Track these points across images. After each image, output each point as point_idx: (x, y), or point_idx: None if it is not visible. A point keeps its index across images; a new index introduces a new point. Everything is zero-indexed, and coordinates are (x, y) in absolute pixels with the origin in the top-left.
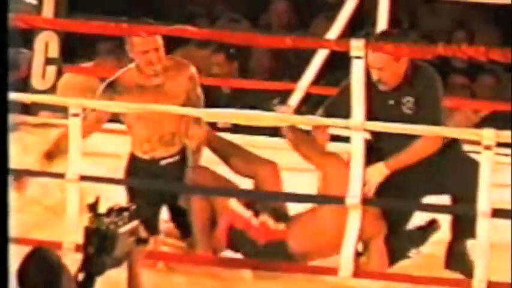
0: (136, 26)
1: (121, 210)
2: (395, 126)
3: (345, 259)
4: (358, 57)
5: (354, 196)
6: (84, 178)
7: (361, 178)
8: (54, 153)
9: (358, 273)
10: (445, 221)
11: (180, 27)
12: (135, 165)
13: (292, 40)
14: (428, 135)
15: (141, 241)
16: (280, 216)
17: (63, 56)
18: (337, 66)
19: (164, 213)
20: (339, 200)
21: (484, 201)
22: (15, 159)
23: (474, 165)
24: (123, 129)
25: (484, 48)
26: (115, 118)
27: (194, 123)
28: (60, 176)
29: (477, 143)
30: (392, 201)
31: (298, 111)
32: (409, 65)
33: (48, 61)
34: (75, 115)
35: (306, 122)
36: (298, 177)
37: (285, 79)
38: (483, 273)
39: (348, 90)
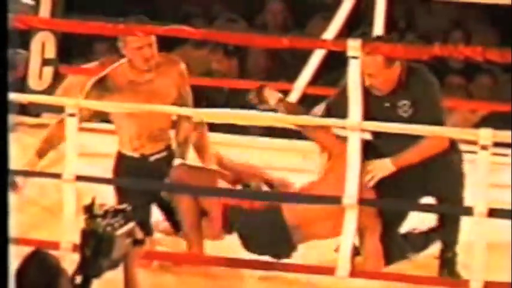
0: (133, 26)
1: (117, 211)
2: (392, 126)
3: (342, 259)
4: (355, 57)
5: (350, 196)
6: (80, 178)
7: (357, 178)
8: (44, 150)
9: (355, 272)
10: None
11: (176, 27)
12: (123, 164)
13: (289, 40)
14: (436, 136)
15: (138, 242)
16: (272, 188)
17: (60, 57)
18: (333, 66)
19: (157, 212)
20: (336, 200)
21: (481, 201)
22: (13, 160)
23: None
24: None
25: (480, 48)
26: (106, 117)
27: (182, 116)
28: (57, 176)
29: (474, 142)
30: (388, 201)
31: None
32: (403, 69)
33: (45, 62)
34: (72, 115)
35: (303, 122)
36: (293, 177)
37: (282, 79)
38: (480, 273)
39: (346, 91)
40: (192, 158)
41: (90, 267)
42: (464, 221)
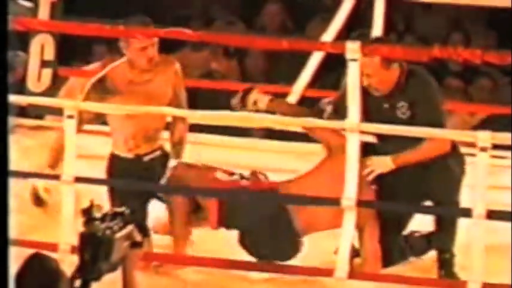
0: (133, 28)
1: (115, 214)
2: (391, 128)
3: (341, 260)
4: (354, 60)
5: (349, 198)
6: (79, 180)
7: (356, 180)
8: (55, 160)
9: (353, 274)
10: None
11: (175, 30)
12: (117, 165)
13: (288, 42)
14: (438, 138)
15: (136, 245)
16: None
17: (59, 59)
18: (332, 68)
19: (153, 211)
20: (335, 202)
21: (480, 203)
22: (12, 162)
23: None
24: None
25: (479, 51)
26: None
27: (177, 117)
28: (56, 177)
29: (473, 145)
30: (387, 203)
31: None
32: (402, 71)
33: (44, 63)
34: (70, 117)
35: (301, 123)
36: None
37: (281, 81)
38: (478, 275)
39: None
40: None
41: (89, 271)
42: (463, 223)
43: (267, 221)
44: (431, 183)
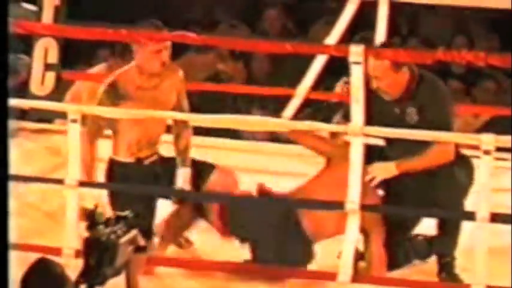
0: (138, 31)
1: (119, 218)
2: (394, 132)
3: (344, 264)
4: (357, 63)
5: (352, 202)
6: (83, 184)
7: (360, 183)
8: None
9: (357, 278)
10: None
11: (180, 33)
12: (117, 170)
13: (292, 45)
14: (441, 145)
15: (140, 249)
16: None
17: (62, 62)
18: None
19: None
20: (338, 205)
21: (483, 206)
22: (14, 165)
23: (463, 190)
24: None
25: (483, 53)
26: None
27: (182, 124)
28: (60, 181)
29: (476, 147)
30: (390, 206)
31: (297, 117)
32: (413, 76)
33: (48, 67)
34: (74, 121)
35: (303, 127)
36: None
37: (284, 85)
38: (481, 278)
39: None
40: None
41: (94, 276)
42: (466, 226)
43: (277, 230)
44: (438, 191)
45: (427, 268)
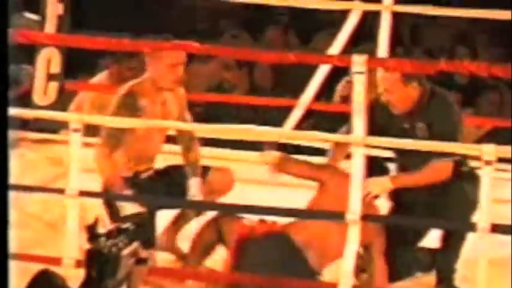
0: (138, 42)
1: (120, 230)
2: (394, 142)
3: (344, 275)
4: (360, 73)
5: (353, 212)
6: (84, 194)
7: (360, 194)
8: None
9: None
10: None
11: (183, 43)
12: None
13: (295, 55)
14: (439, 164)
15: (141, 261)
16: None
17: (65, 72)
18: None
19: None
20: (339, 216)
21: (484, 216)
22: (16, 175)
23: (472, 206)
24: None
25: (486, 64)
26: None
27: (188, 136)
28: (60, 191)
29: (477, 158)
30: (391, 217)
31: (300, 127)
32: (424, 91)
33: (50, 77)
34: (76, 130)
35: (306, 137)
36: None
37: (287, 95)
38: None
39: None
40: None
41: None
42: (468, 236)
43: (282, 265)
44: (448, 207)
45: (426, 280)
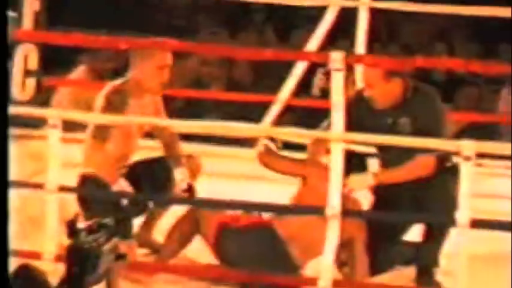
0: (115, 38)
1: (100, 226)
2: (374, 138)
3: (325, 269)
4: (338, 70)
5: (333, 207)
6: (63, 189)
7: (340, 189)
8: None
9: (338, 283)
10: None
11: (161, 40)
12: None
13: (272, 52)
14: (422, 159)
15: (120, 257)
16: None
17: (42, 68)
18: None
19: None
20: (319, 211)
21: (464, 212)
22: None
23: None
24: None
25: (463, 60)
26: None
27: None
28: (40, 186)
29: (457, 153)
30: (371, 212)
31: (279, 122)
32: (406, 86)
33: (28, 73)
34: (54, 126)
35: (285, 133)
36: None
37: (266, 91)
38: (463, 284)
39: (349, 104)
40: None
41: (77, 284)
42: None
43: (264, 257)
44: (431, 201)
45: (406, 273)
